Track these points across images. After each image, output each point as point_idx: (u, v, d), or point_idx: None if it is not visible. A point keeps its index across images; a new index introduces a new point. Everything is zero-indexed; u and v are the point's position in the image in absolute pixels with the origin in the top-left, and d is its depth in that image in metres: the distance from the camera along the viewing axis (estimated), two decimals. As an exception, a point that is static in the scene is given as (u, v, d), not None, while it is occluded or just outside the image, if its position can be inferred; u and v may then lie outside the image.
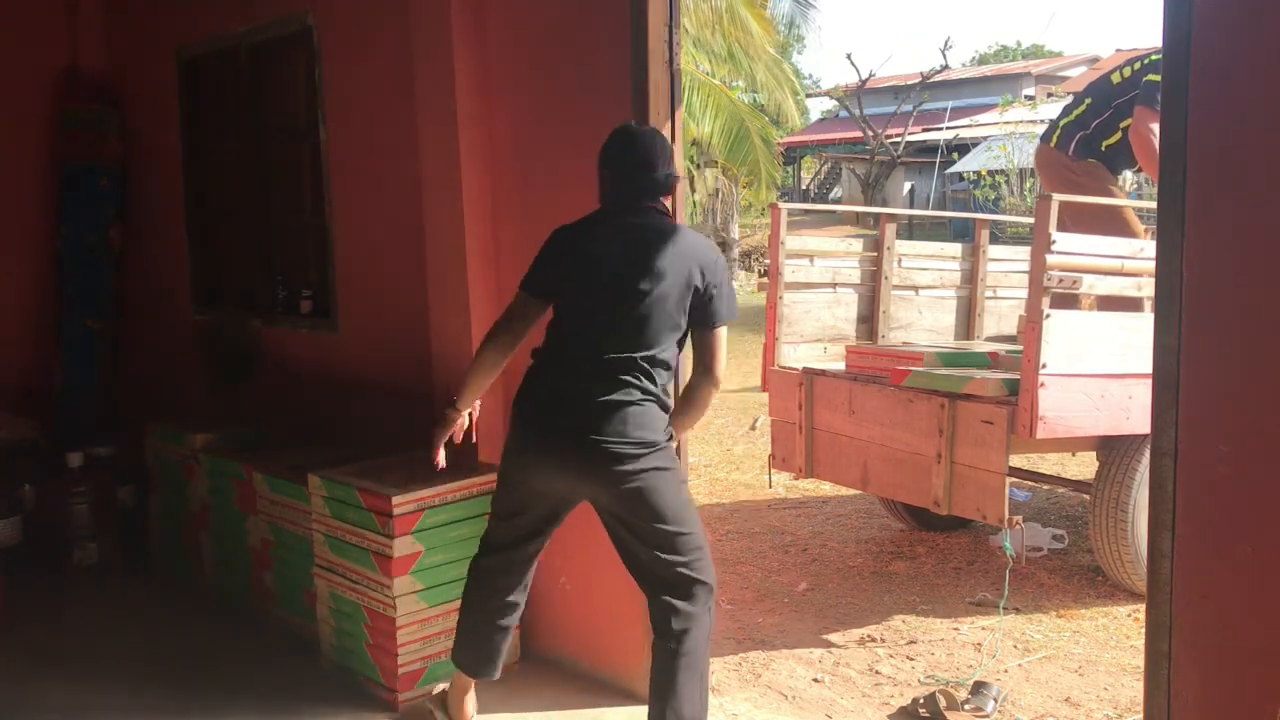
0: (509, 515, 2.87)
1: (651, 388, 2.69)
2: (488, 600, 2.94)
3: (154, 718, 3.36)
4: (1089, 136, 4.96)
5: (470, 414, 2.97)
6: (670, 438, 2.74)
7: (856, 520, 5.46)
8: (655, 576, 2.71)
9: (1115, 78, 4.98)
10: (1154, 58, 4.72)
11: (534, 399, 2.76)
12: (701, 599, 2.72)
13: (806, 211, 23.55)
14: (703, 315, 2.74)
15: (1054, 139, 5.12)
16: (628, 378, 2.66)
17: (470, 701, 3.09)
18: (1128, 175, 7.06)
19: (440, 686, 3.24)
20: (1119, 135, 4.87)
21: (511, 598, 2.94)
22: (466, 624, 3.00)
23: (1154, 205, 2.35)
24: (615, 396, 2.65)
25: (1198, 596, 2.19)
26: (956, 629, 4.03)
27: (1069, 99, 5.61)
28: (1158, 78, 4.34)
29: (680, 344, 2.78)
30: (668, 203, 2.82)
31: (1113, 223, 4.58)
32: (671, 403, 2.78)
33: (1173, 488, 2.20)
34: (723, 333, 2.78)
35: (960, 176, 22.71)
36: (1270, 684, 2.10)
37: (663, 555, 2.68)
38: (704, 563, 2.74)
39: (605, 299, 2.69)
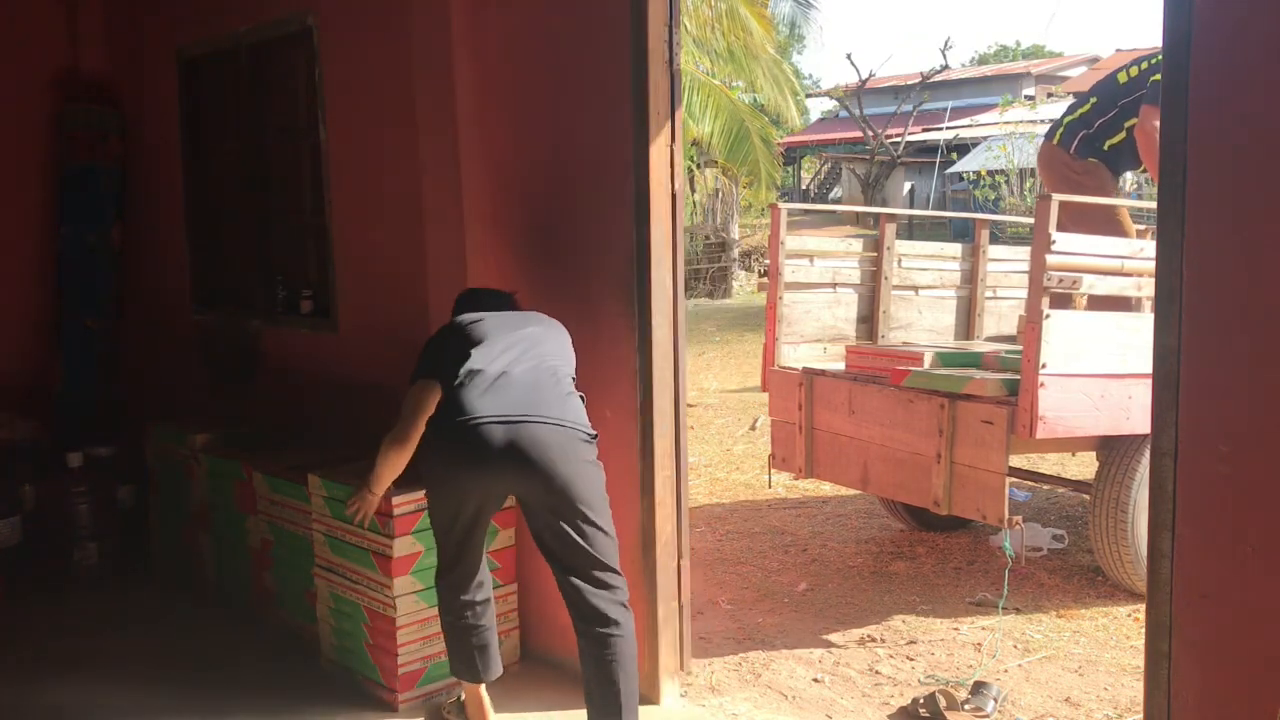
0: (448, 528, 2.94)
1: (574, 389, 2.90)
2: (462, 612, 3.02)
3: (154, 717, 3.36)
4: (1091, 135, 4.95)
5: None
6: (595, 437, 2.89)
7: (856, 520, 5.45)
8: (580, 566, 2.81)
9: (1121, 77, 4.95)
10: (1160, 57, 4.71)
11: (455, 418, 2.79)
12: (623, 591, 2.85)
13: (806, 211, 23.55)
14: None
15: (1057, 136, 5.11)
16: (554, 377, 2.87)
17: (487, 703, 3.15)
18: (1128, 176, 7.05)
19: (455, 694, 3.24)
20: (1123, 135, 4.85)
21: (481, 596, 3.04)
22: (453, 641, 3.07)
23: (1154, 205, 2.35)
24: (550, 390, 2.82)
25: (1198, 596, 2.19)
26: (956, 629, 4.03)
27: (1073, 98, 5.60)
28: (1164, 77, 4.34)
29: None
30: None
31: (1108, 224, 4.57)
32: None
33: (1173, 488, 2.20)
34: None
35: (960, 176, 22.70)
36: (1270, 684, 2.10)
37: (587, 547, 2.79)
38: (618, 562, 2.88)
39: (511, 344, 2.90)
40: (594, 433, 2.85)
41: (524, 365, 2.87)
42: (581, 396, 2.92)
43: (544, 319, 3.10)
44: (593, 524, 2.79)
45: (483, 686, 3.13)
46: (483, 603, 3.05)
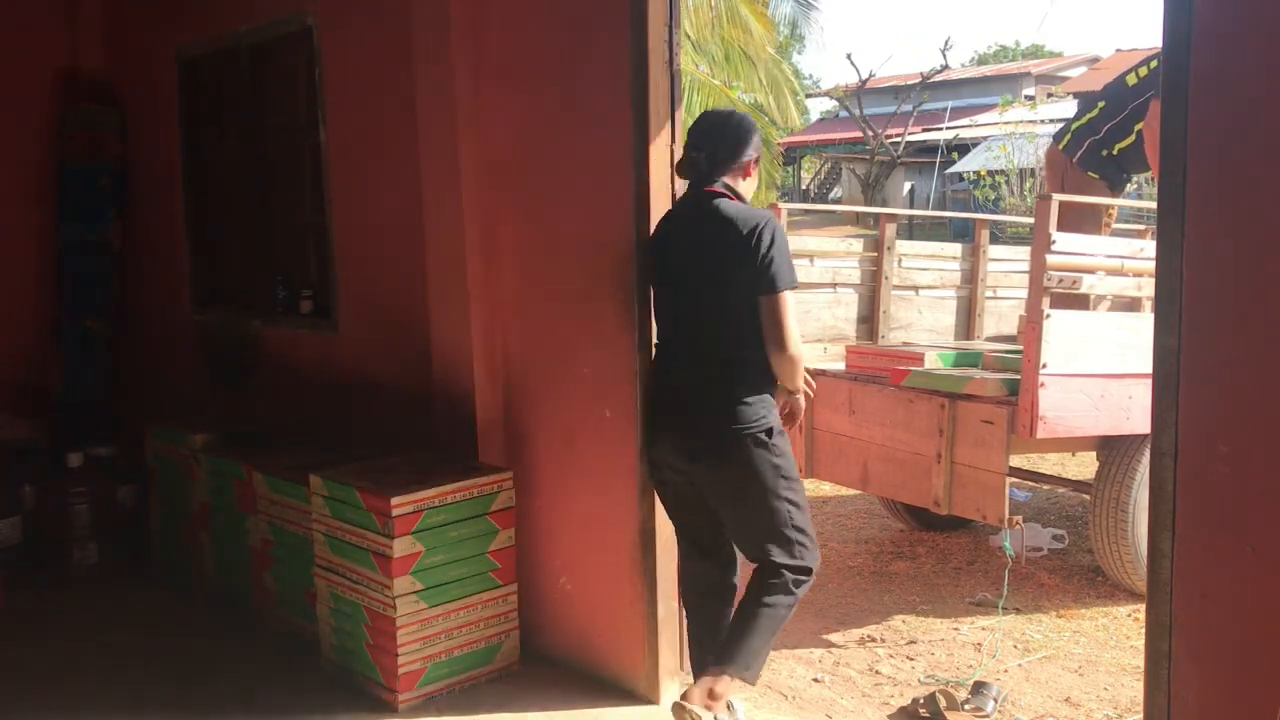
0: (669, 514, 3.14)
1: (739, 366, 2.88)
2: (687, 585, 3.17)
3: (154, 718, 3.36)
4: (1099, 141, 4.87)
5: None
6: (764, 417, 2.85)
7: (856, 520, 5.45)
8: (745, 549, 2.98)
9: (1130, 79, 4.85)
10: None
11: (651, 397, 3.10)
12: (800, 553, 2.89)
13: (806, 211, 23.52)
14: (757, 285, 2.84)
15: (1064, 142, 5.04)
16: (714, 363, 2.90)
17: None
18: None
19: (724, 700, 2.99)
20: (1132, 138, 4.76)
21: (703, 584, 3.10)
22: (693, 627, 3.16)
23: (1154, 205, 2.35)
24: (708, 381, 2.90)
25: (1198, 596, 2.19)
26: (956, 629, 4.03)
27: (1073, 98, 5.58)
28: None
29: (753, 317, 2.86)
30: (734, 180, 2.95)
31: (1084, 226, 4.52)
32: (764, 374, 2.91)
33: (1173, 488, 2.20)
34: (780, 300, 2.84)
35: (960, 176, 22.72)
36: (1270, 684, 2.10)
37: (747, 531, 2.92)
38: (790, 544, 2.87)
39: (677, 289, 2.98)
40: (756, 415, 2.87)
41: (696, 339, 2.99)
42: (753, 377, 2.93)
43: (728, 242, 2.92)
44: (757, 511, 2.89)
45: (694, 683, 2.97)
46: (705, 592, 3.08)
